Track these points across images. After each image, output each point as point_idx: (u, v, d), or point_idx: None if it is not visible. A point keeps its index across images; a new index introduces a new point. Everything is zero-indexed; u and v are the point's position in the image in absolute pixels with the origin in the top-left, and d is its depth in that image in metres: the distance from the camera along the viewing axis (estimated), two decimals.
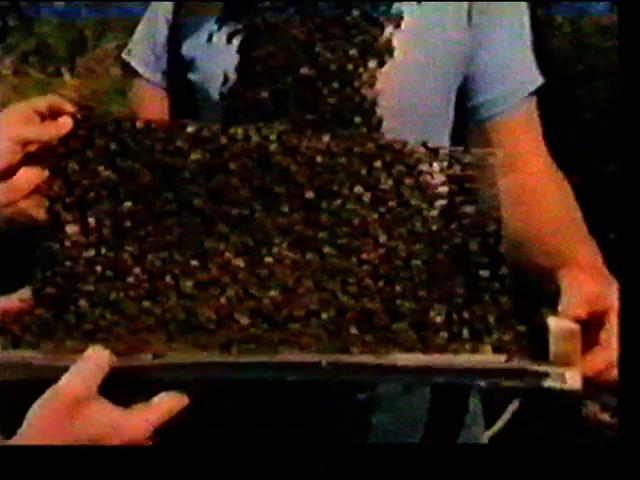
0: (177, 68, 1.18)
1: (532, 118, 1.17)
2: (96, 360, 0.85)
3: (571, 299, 0.88)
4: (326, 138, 0.99)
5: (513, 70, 1.14)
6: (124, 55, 1.24)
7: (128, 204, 0.99)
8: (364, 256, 0.96)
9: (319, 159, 0.99)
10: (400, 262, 0.96)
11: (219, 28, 1.13)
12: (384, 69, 1.07)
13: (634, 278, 0.89)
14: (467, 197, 0.98)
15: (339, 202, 0.98)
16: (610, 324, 0.88)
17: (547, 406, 2.31)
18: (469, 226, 0.97)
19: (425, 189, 0.98)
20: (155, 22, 1.21)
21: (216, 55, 1.13)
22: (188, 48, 1.16)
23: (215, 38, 1.13)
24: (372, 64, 1.08)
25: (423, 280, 0.95)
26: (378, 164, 0.99)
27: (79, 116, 0.99)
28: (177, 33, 1.18)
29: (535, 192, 1.10)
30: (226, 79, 1.11)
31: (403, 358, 0.87)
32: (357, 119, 1.07)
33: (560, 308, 0.89)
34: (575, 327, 0.86)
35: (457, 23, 1.11)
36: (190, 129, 1.00)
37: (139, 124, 1.00)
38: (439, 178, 0.99)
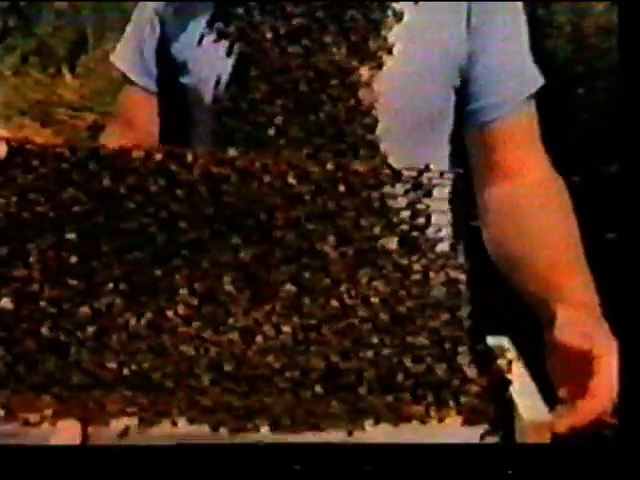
0: (167, 71, 1.17)
1: (532, 120, 1.17)
2: None
3: (565, 328, 0.91)
4: (283, 165, 0.96)
5: (512, 73, 1.14)
6: (112, 58, 1.23)
7: (70, 236, 0.94)
8: (329, 308, 0.94)
9: (277, 185, 0.95)
10: (365, 313, 0.93)
11: (210, 30, 1.13)
12: (382, 71, 1.07)
13: (634, 279, 0.89)
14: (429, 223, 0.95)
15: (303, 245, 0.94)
16: (600, 374, 0.87)
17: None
18: (431, 267, 0.95)
19: (389, 219, 0.96)
20: (143, 24, 1.20)
21: (208, 57, 1.12)
22: (178, 51, 1.15)
23: (206, 40, 1.12)
24: (370, 66, 1.08)
25: (387, 337, 0.93)
26: (342, 189, 0.95)
27: (13, 144, 0.94)
28: (166, 35, 1.17)
29: (531, 210, 1.09)
30: (218, 82, 1.10)
31: (371, 432, 0.85)
32: (354, 123, 1.07)
33: (552, 335, 0.90)
34: (545, 419, 0.85)
35: (456, 25, 1.11)
36: (136, 154, 0.96)
37: (80, 152, 0.95)
38: (402, 202, 0.97)
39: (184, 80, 1.15)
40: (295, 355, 0.91)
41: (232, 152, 0.99)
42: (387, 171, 0.96)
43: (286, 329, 0.93)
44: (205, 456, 0.90)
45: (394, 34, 1.09)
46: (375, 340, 0.92)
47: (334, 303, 0.94)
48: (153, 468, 0.89)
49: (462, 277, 0.96)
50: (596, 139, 2.87)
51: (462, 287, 0.96)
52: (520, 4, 1.17)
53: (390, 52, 1.08)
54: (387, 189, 0.97)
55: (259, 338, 0.92)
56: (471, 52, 1.12)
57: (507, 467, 0.91)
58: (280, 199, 0.95)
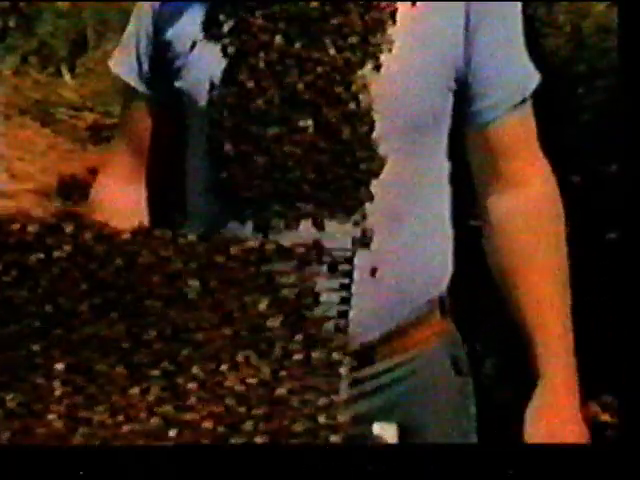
0: (163, 77, 1.17)
1: (529, 122, 1.17)
2: None
3: (536, 418, 1.06)
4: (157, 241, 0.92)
5: (509, 75, 1.14)
6: (110, 63, 1.24)
7: None
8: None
9: (154, 260, 0.93)
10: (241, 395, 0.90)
11: (204, 34, 1.13)
12: (380, 73, 1.07)
13: (633, 280, 0.89)
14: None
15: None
16: None
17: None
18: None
19: (275, 296, 0.94)
20: (139, 30, 1.20)
21: (201, 62, 1.12)
22: (173, 56, 1.15)
23: (199, 44, 1.12)
24: (368, 68, 1.08)
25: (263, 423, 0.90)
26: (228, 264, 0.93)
27: None
28: (161, 41, 1.17)
29: (525, 233, 1.12)
30: (212, 86, 1.10)
31: None
32: (352, 126, 1.06)
33: (528, 407, 1.05)
34: None
35: (454, 28, 1.11)
36: (13, 226, 0.92)
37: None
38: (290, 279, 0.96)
39: (179, 85, 1.15)
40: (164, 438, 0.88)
41: (113, 228, 0.94)
42: (273, 247, 0.93)
43: (162, 410, 0.89)
44: (205, 456, 0.92)
45: (392, 36, 1.08)
46: (249, 426, 0.89)
47: (211, 384, 0.91)
48: (153, 468, 0.90)
49: (345, 359, 0.92)
50: (596, 139, 2.87)
51: (343, 370, 0.92)
52: (518, 5, 1.17)
53: (389, 53, 1.08)
54: (276, 265, 0.95)
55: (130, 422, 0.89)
56: (468, 54, 1.12)
57: (508, 467, 0.93)
58: (159, 275, 0.91)
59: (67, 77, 5.82)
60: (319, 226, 1.08)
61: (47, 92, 5.57)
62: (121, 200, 1.26)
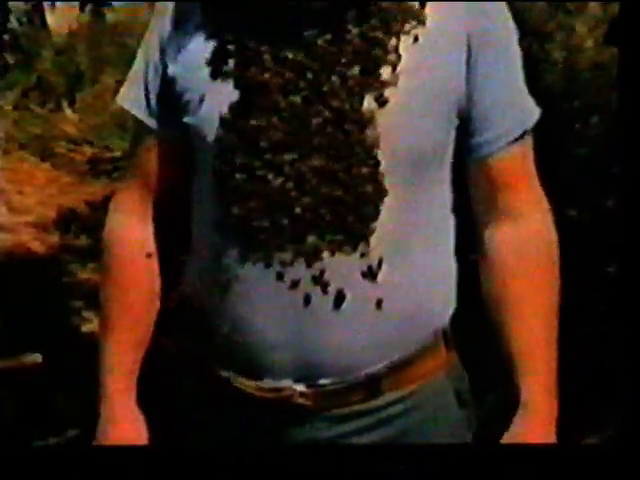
0: (171, 111, 1.17)
1: (528, 156, 1.18)
2: None
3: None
4: None
5: (510, 108, 1.15)
6: (118, 98, 1.23)
7: None
8: None
9: None
10: None
11: (211, 68, 1.13)
12: (385, 108, 1.08)
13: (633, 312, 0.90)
14: None
15: None
16: None
17: None
18: None
19: None
20: (147, 64, 1.21)
21: (210, 97, 1.12)
22: (181, 90, 1.15)
23: (208, 79, 1.13)
24: (373, 102, 1.08)
25: None
26: None
27: None
28: (170, 75, 1.17)
29: (518, 271, 1.13)
30: (222, 121, 1.11)
31: None
32: (357, 158, 1.07)
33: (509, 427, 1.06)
34: None
35: (455, 62, 1.12)
36: None
37: None
38: None
39: (188, 120, 1.15)
40: None
41: None
42: None
43: None
44: (205, 457, 0.94)
45: (397, 71, 1.09)
46: None
47: None
48: (153, 468, 0.91)
49: None
50: (592, 173, 2.89)
51: None
52: (515, 38, 1.19)
53: (395, 87, 1.09)
54: None
55: None
56: (470, 88, 1.12)
57: (509, 468, 0.93)
58: None
59: (68, 111, 5.86)
60: (325, 258, 1.09)
61: (47, 126, 5.61)
62: (132, 237, 1.27)
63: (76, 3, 3.22)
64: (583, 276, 1.14)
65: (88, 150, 5.63)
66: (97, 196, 4.64)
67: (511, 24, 1.15)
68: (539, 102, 1.19)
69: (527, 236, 1.14)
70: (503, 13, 1.15)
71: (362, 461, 0.93)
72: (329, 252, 1.07)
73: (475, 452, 1.00)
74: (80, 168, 5.39)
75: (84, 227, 4.33)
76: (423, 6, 1.09)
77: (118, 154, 5.30)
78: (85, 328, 3.21)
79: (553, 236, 1.16)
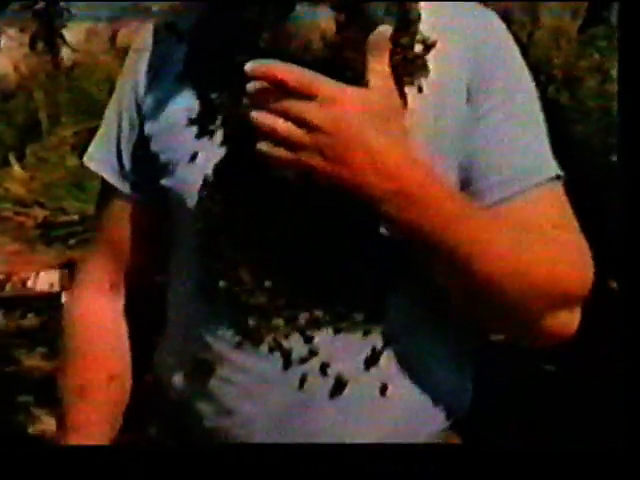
0: (147, 173, 1.18)
1: (550, 205, 1.16)
2: None
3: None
4: None
5: (521, 154, 1.15)
6: (85, 160, 1.25)
7: None
8: None
9: None
10: None
11: (196, 126, 1.14)
12: None
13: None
14: None
15: None
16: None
17: (548, 407, 2.58)
18: None
19: None
20: (119, 121, 1.22)
21: (192, 157, 1.13)
22: (158, 150, 1.16)
23: (189, 138, 1.14)
24: None
25: None
26: None
27: None
28: (145, 133, 1.19)
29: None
30: (205, 184, 1.12)
31: None
32: (358, 226, 1.08)
33: None
34: None
35: (458, 110, 1.13)
36: None
37: None
38: None
39: (165, 182, 1.16)
40: None
41: None
42: None
43: None
44: (205, 456, 1.01)
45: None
46: None
47: None
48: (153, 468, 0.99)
49: None
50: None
51: None
52: (526, 84, 1.20)
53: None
54: None
55: None
56: (475, 131, 1.13)
57: (509, 468, 1.00)
58: None
59: (16, 168, 5.88)
60: (325, 337, 1.09)
61: None
62: (100, 315, 1.26)
63: (25, 40, 3.24)
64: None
65: (39, 213, 5.65)
66: (50, 266, 4.65)
67: (524, 70, 1.17)
68: (571, 157, 1.19)
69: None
70: (513, 57, 1.17)
71: (362, 461, 1.00)
72: (329, 330, 1.09)
73: (474, 452, 1.05)
74: (29, 234, 5.41)
75: (33, 304, 4.32)
76: (428, 50, 1.12)
77: (75, 217, 5.33)
78: (34, 429, 3.15)
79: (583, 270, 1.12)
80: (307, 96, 0.98)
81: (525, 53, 1.20)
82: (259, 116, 0.98)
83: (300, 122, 0.97)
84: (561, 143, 1.21)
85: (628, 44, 1.14)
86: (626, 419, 1.04)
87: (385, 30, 1.05)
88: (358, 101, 0.99)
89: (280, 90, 0.98)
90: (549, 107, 1.22)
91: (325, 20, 1.06)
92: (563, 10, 5.68)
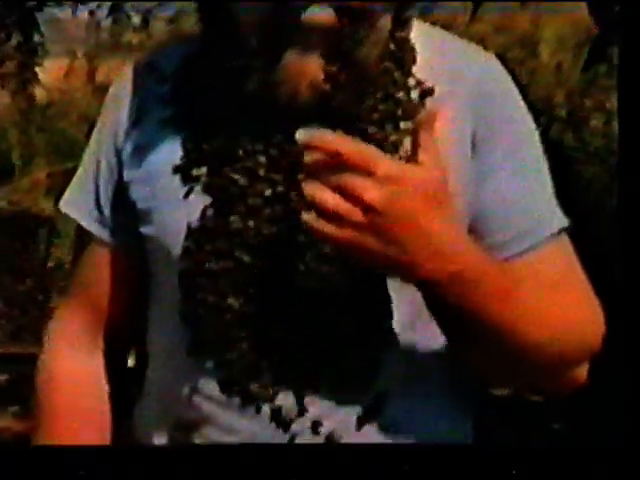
0: (127, 221, 1.18)
1: (557, 260, 1.17)
2: None
3: None
4: None
5: (526, 209, 1.16)
6: (62, 205, 1.25)
7: None
8: None
9: None
10: None
11: (179, 172, 1.15)
12: None
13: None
14: None
15: None
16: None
17: (549, 408, 2.66)
18: None
19: None
20: (98, 166, 1.22)
21: (174, 205, 1.13)
22: (140, 197, 1.16)
23: (175, 184, 1.14)
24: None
25: None
26: None
27: None
28: (125, 179, 1.19)
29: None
30: (189, 232, 1.12)
31: None
32: (355, 277, 1.08)
33: None
34: None
35: (460, 160, 1.13)
36: None
37: None
38: None
39: (146, 230, 1.16)
40: None
41: None
42: None
43: None
44: (205, 456, 1.03)
45: None
46: None
47: None
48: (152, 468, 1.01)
49: None
50: None
51: None
52: (531, 131, 1.21)
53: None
54: None
55: None
56: (480, 186, 1.14)
57: (510, 468, 1.02)
58: None
59: None
60: (318, 393, 1.10)
61: None
62: (78, 373, 1.26)
63: None
64: None
65: None
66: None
67: (526, 116, 1.18)
68: (579, 201, 1.20)
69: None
70: (516, 104, 1.18)
71: (362, 461, 1.03)
72: (321, 388, 1.10)
73: (475, 452, 1.08)
74: None
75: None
76: (424, 96, 1.13)
77: (50, 264, 5.31)
78: None
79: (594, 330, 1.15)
80: (365, 172, 0.97)
81: (526, 93, 1.21)
82: (312, 188, 0.97)
83: (356, 199, 0.97)
84: (566, 185, 1.21)
85: (628, 81, 1.17)
86: (626, 419, 1.08)
87: (436, 108, 1.08)
88: (415, 181, 1.00)
89: (336, 163, 0.98)
90: (553, 148, 1.22)
91: (313, 66, 1.06)
92: (564, 46, 5.74)
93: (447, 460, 1.05)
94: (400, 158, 1.10)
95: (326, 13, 1.04)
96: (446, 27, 1.23)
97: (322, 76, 1.06)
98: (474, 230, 1.14)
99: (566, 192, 1.23)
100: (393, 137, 1.11)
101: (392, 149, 1.11)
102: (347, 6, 1.05)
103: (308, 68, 1.06)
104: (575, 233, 1.21)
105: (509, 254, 1.13)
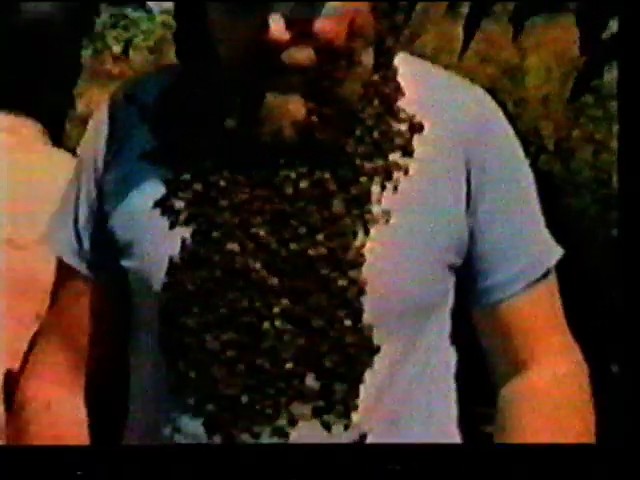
0: (107, 254, 1.18)
1: (551, 298, 1.19)
2: None
3: None
4: None
5: (522, 246, 1.17)
6: (41, 238, 1.26)
7: None
8: None
9: None
10: None
11: (160, 205, 1.15)
12: (373, 247, 1.09)
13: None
14: None
15: None
16: None
17: None
18: None
19: None
20: (77, 199, 1.22)
21: (156, 237, 1.13)
22: (121, 230, 1.16)
23: (156, 217, 1.14)
24: (359, 241, 1.10)
25: None
26: None
27: None
28: (106, 212, 1.19)
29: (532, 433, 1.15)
30: (171, 266, 1.12)
31: None
32: (341, 311, 1.09)
33: None
34: None
35: (455, 194, 1.14)
36: None
37: None
38: None
39: (128, 264, 1.15)
40: None
41: None
42: None
43: None
44: (204, 457, 1.05)
45: (388, 204, 1.11)
46: None
47: None
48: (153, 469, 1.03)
49: None
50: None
51: None
52: (524, 164, 1.22)
53: (386, 224, 1.12)
54: None
55: None
56: (473, 226, 1.14)
57: (510, 467, 1.04)
58: None
59: None
60: (296, 433, 1.10)
61: None
62: (59, 412, 1.25)
63: None
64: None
65: None
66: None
67: (517, 149, 1.20)
68: (570, 231, 1.21)
69: (543, 383, 1.16)
70: (506, 138, 1.19)
71: (361, 461, 1.05)
72: (306, 425, 1.10)
73: (474, 452, 1.09)
74: None
75: None
76: (412, 131, 1.14)
77: None
78: None
79: (585, 395, 1.16)
80: None
81: (514, 124, 1.22)
82: None
83: None
84: (556, 217, 1.22)
85: (628, 110, 1.18)
86: (626, 419, 1.10)
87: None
88: None
89: None
90: (542, 179, 1.23)
91: (294, 104, 1.07)
92: (550, 76, 5.79)
93: (447, 460, 1.07)
94: (389, 189, 1.11)
95: (306, 53, 1.06)
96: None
97: (304, 114, 1.07)
98: (469, 272, 1.15)
99: (555, 223, 1.24)
100: (382, 168, 1.12)
101: (382, 181, 1.12)
102: (327, 46, 1.06)
103: (290, 107, 1.08)
104: (567, 264, 1.22)
105: (497, 298, 1.15)
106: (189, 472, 1.06)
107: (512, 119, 1.21)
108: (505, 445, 1.14)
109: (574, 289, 1.23)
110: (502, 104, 1.25)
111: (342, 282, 1.09)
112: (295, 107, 1.08)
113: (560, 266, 1.20)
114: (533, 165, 1.25)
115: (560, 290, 1.21)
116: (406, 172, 1.12)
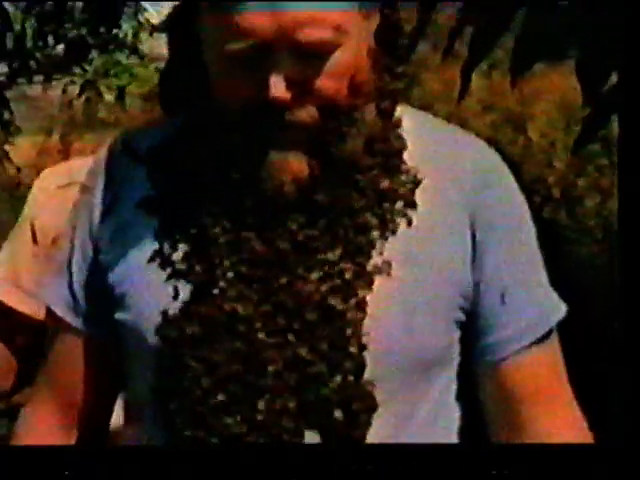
0: (101, 306, 1.18)
1: (554, 357, 1.19)
2: None
3: None
4: None
5: (527, 303, 1.17)
6: (34, 291, 1.28)
7: None
8: None
9: None
10: None
11: (154, 257, 1.15)
12: (375, 301, 1.10)
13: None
14: None
15: None
16: None
17: None
18: None
19: None
20: (71, 251, 1.22)
21: (150, 290, 1.14)
22: (115, 282, 1.16)
23: (150, 269, 1.14)
24: (360, 294, 1.11)
25: None
26: None
27: None
28: (100, 263, 1.19)
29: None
30: (165, 319, 1.13)
31: None
32: (347, 364, 1.09)
33: None
34: None
35: (458, 249, 1.15)
36: None
37: None
38: None
39: (120, 316, 1.16)
40: None
41: None
42: None
43: None
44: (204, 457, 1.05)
45: (390, 255, 1.12)
46: None
47: None
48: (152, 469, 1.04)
49: None
50: None
51: None
52: (528, 216, 1.22)
53: (388, 277, 1.12)
54: None
55: None
56: (477, 280, 1.15)
57: (510, 467, 1.05)
58: None
59: None
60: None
61: None
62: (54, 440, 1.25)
63: None
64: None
65: None
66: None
67: (522, 203, 1.20)
68: (577, 282, 1.22)
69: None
70: (510, 191, 1.20)
71: (361, 461, 1.05)
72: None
73: (475, 451, 1.10)
74: None
75: None
76: (414, 188, 1.15)
77: None
78: None
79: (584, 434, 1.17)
80: None
81: (518, 174, 1.23)
82: None
83: None
84: (561, 266, 1.22)
85: (629, 159, 1.20)
86: (626, 419, 1.11)
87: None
88: None
89: None
90: (547, 228, 1.24)
91: (296, 161, 1.08)
92: (554, 125, 5.81)
93: (446, 460, 1.07)
94: (391, 240, 1.13)
95: (308, 112, 1.07)
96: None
97: (306, 171, 1.08)
98: (473, 327, 1.16)
99: (559, 272, 1.24)
100: (384, 219, 1.12)
101: (384, 231, 1.13)
102: (329, 103, 1.07)
103: (292, 164, 1.09)
104: (572, 314, 1.22)
105: (501, 356, 1.15)
106: (189, 472, 1.07)
107: (516, 168, 1.22)
108: (505, 445, 1.15)
109: (576, 344, 1.24)
110: (505, 154, 1.25)
111: (339, 336, 1.08)
112: (297, 164, 1.09)
113: (563, 321, 1.21)
114: (538, 214, 1.26)
115: (562, 346, 1.22)
116: (409, 223, 1.13)
